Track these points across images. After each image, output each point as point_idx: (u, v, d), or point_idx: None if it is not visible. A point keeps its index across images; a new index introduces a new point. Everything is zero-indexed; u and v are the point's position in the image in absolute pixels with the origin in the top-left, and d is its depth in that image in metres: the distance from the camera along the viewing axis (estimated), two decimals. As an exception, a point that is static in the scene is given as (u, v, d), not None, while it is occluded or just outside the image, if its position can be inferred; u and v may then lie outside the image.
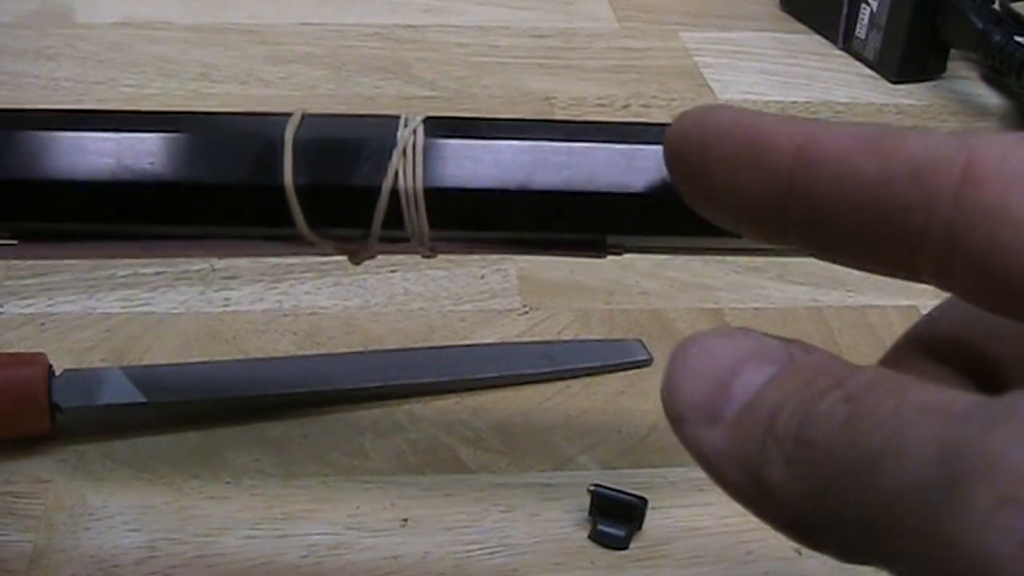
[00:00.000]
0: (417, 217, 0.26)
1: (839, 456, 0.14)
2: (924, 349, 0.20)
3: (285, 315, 0.46)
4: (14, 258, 0.32)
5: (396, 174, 0.26)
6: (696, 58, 0.69)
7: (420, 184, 0.26)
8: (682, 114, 0.19)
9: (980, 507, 0.13)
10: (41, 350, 0.40)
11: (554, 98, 0.63)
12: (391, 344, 0.45)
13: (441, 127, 0.27)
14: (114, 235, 0.28)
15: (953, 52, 0.68)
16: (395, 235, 0.27)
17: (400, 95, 0.63)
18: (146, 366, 0.43)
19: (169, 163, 0.26)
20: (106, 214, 0.27)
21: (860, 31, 0.69)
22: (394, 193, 0.26)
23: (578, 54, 0.69)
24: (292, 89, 0.63)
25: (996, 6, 0.65)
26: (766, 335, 0.17)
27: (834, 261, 0.17)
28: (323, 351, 0.44)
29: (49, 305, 0.46)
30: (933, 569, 0.13)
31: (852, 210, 0.16)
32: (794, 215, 0.17)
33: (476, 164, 0.27)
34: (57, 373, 0.39)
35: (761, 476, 0.15)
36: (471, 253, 0.30)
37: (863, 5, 0.68)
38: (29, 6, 0.70)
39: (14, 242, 0.28)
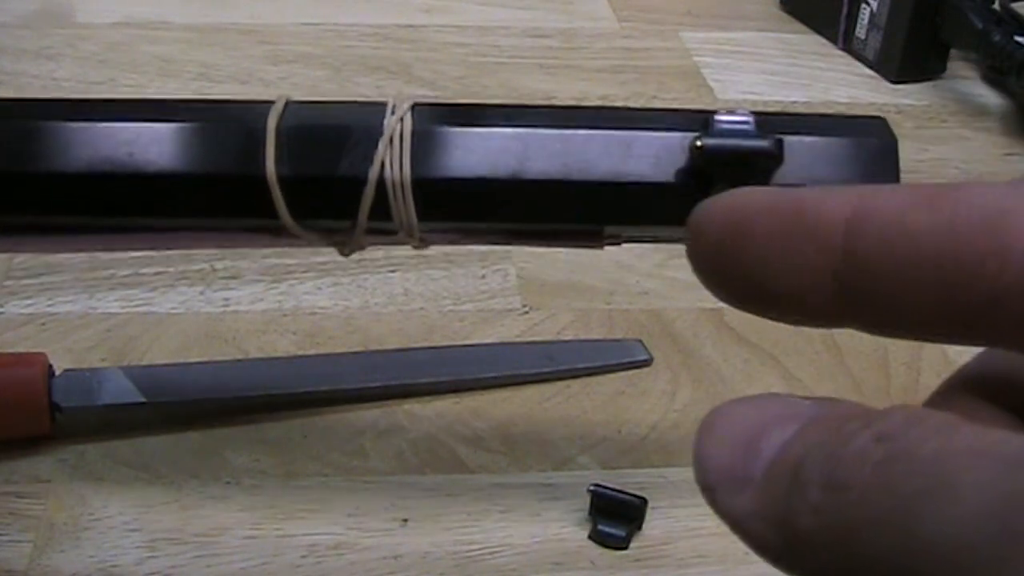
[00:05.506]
0: (405, 208, 0.25)
1: (873, 500, 0.13)
2: (975, 389, 0.18)
3: (285, 315, 0.46)
4: None
5: (383, 163, 0.25)
6: (696, 58, 0.69)
7: (408, 174, 0.25)
8: (706, 202, 0.17)
9: None
10: (41, 350, 0.40)
11: (554, 98, 0.63)
12: (391, 344, 0.45)
13: (430, 114, 0.26)
14: (92, 228, 0.26)
15: (953, 52, 0.68)
16: (383, 227, 0.26)
17: (400, 95, 0.63)
18: (146, 366, 0.43)
19: (148, 153, 0.25)
20: (82, 206, 0.26)
21: (860, 31, 0.69)
22: (381, 183, 0.25)
23: (578, 54, 0.69)
24: (292, 89, 0.62)
25: (996, 6, 0.64)
26: (794, 397, 0.16)
27: (896, 335, 0.16)
28: (323, 351, 0.44)
29: (49, 305, 0.46)
30: None
31: (918, 271, 0.15)
32: (850, 291, 0.16)
33: (466, 152, 0.25)
34: (57, 373, 0.39)
35: (789, 529, 0.14)
36: (463, 244, 0.29)
37: (863, 5, 0.68)
38: (29, 6, 0.70)
39: None
